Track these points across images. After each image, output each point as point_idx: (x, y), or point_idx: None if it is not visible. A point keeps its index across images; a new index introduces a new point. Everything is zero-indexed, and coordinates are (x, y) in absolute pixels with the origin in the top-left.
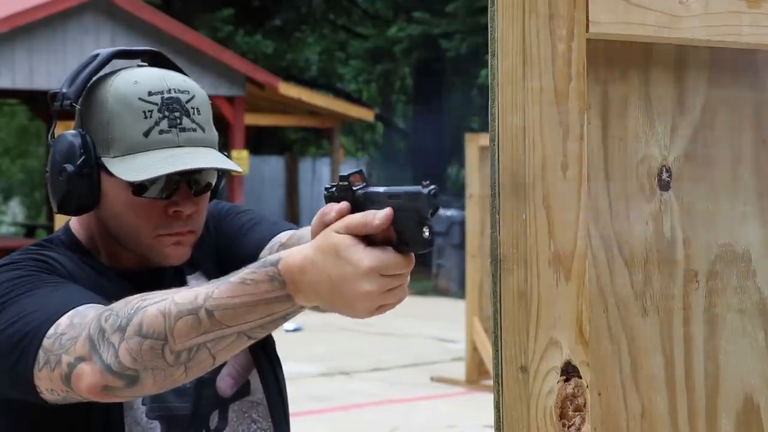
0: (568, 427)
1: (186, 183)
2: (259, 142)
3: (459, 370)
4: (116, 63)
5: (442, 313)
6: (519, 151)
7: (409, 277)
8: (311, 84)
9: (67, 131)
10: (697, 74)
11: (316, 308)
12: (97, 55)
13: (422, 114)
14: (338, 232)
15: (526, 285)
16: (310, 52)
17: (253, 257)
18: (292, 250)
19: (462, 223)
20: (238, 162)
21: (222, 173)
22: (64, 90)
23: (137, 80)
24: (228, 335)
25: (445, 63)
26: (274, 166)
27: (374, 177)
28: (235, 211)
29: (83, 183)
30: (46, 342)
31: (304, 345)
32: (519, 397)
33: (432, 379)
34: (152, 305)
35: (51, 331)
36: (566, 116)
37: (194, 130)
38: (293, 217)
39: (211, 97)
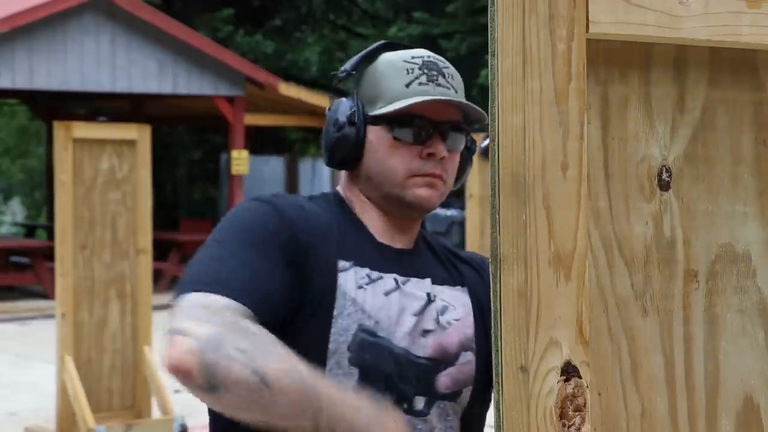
0: (568, 427)
1: (439, 134)
2: (259, 142)
3: None
4: None
5: None
6: (519, 151)
7: None
8: (311, 84)
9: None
10: (697, 74)
11: None
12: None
13: None
14: None
15: (526, 285)
16: (310, 52)
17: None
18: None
19: (462, 223)
20: (238, 162)
21: (469, 147)
22: (346, 67)
23: (403, 51)
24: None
25: None
26: (274, 166)
27: None
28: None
29: (352, 131)
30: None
31: None
32: (519, 397)
33: None
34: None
35: (191, 297)
36: (566, 116)
37: (448, 88)
38: None
39: (211, 97)
